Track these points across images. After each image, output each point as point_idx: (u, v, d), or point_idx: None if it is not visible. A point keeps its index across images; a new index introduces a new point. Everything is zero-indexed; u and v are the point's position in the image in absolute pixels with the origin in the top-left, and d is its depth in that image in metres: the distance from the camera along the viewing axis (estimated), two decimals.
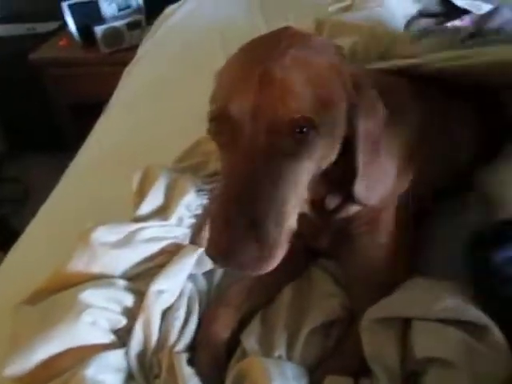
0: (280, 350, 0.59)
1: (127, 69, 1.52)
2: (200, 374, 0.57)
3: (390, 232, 0.63)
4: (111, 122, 1.26)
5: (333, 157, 0.54)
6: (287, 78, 0.47)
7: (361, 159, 0.54)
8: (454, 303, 0.55)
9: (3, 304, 0.72)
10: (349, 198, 0.59)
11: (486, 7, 1.12)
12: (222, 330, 0.62)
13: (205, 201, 0.77)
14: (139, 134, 1.14)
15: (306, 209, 0.62)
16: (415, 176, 0.64)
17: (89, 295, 0.60)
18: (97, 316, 0.59)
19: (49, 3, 2.18)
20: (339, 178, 0.57)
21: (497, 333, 0.52)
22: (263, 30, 0.57)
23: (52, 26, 2.20)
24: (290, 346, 0.60)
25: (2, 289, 0.78)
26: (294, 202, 0.50)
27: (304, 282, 0.71)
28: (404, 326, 0.58)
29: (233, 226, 0.44)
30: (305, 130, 0.47)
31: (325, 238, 0.68)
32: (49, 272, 0.68)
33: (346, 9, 1.35)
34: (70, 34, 2.03)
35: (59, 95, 2.08)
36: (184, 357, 0.58)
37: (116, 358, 0.58)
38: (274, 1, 1.61)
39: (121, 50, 1.93)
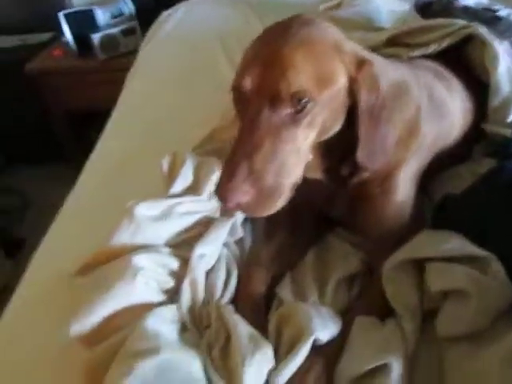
0: (313, 297, 0.67)
1: (130, 73, 1.59)
2: None
3: (402, 190, 0.72)
4: (122, 123, 1.32)
5: (337, 126, 0.64)
6: (289, 56, 0.57)
7: (362, 129, 0.63)
8: (459, 242, 0.64)
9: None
10: (358, 165, 0.68)
11: None
12: (259, 284, 0.70)
13: None
14: (150, 134, 1.21)
15: (320, 176, 0.71)
16: (420, 141, 0.73)
17: (140, 260, 0.67)
18: (148, 277, 0.67)
19: (40, 14, 2.25)
20: (348, 147, 0.66)
21: (496, 265, 0.61)
22: (260, 31, 0.66)
23: (43, 37, 2.25)
24: (320, 294, 0.68)
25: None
26: (295, 162, 0.60)
27: (323, 247, 0.80)
28: (419, 271, 0.67)
29: (235, 174, 0.55)
30: (303, 101, 0.57)
31: (341, 204, 0.77)
32: (82, 255, 0.75)
33: (336, 7, 1.45)
34: (63, 43, 2.09)
35: (57, 105, 2.12)
36: (231, 307, 0.65)
37: (170, 311, 0.65)
38: (266, 3, 1.71)
39: (116, 56, 1.99)
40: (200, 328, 0.65)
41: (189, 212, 0.77)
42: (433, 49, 0.90)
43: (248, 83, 0.58)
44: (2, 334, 0.75)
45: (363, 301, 0.69)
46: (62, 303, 0.73)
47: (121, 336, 0.62)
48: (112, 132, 1.30)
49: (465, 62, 0.93)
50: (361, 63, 0.61)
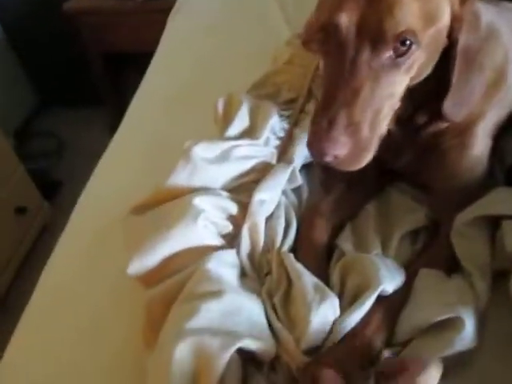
0: (376, 250, 0.65)
1: (172, 12, 1.52)
2: None
3: (479, 144, 0.67)
4: (165, 63, 1.28)
5: (429, 70, 0.58)
6: None
7: (456, 74, 0.57)
8: None
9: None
10: (435, 114, 0.62)
11: None
12: (321, 233, 0.68)
13: (286, 125, 0.81)
14: (196, 74, 1.16)
15: (391, 125, 0.66)
16: (505, 91, 0.67)
17: (201, 202, 0.65)
18: (207, 220, 0.65)
19: None
20: (427, 94, 0.61)
21: None
22: None
23: None
24: (384, 248, 0.65)
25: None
26: (387, 111, 0.55)
27: (384, 200, 0.76)
28: (493, 229, 0.63)
29: (334, 124, 0.51)
30: (408, 42, 0.51)
31: (407, 156, 0.72)
32: (130, 197, 0.73)
33: None
34: None
35: (94, 46, 2.07)
36: (292, 255, 0.63)
37: (230, 256, 0.63)
38: None
39: None
40: (260, 274, 0.64)
41: (246, 156, 0.74)
42: None
43: (345, 21, 0.51)
44: (50, 277, 0.76)
45: (427, 254, 0.65)
46: (110, 247, 0.73)
47: (181, 276, 0.61)
48: (155, 72, 1.26)
49: None
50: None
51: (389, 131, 0.66)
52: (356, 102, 0.51)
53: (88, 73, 2.21)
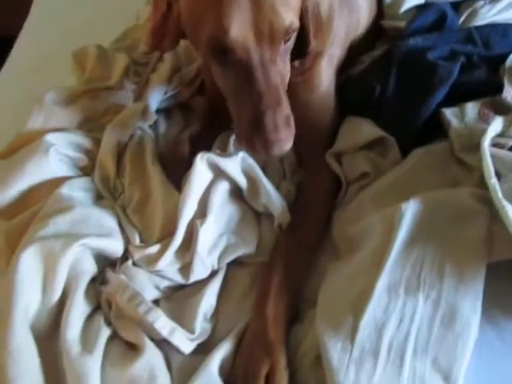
0: None
1: None
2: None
3: (324, 79, 0.75)
4: (36, 31, 1.27)
5: None
6: None
7: (311, 29, 0.63)
8: (367, 129, 0.71)
9: None
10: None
11: None
12: (183, 152, 0.76)
13: (140, 69, 0.87)
14: (66, 40, 1.18)
15: None
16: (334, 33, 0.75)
17: (53, 137, 0.70)
18: (61, 154, 0.70)
19: None
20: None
21: (395, 147, 0.70)
22: None
23: None
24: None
25: None
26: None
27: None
28: None
29: (278, 127, 0.56)
30: (292, 32, 0.57)
31: None
32: None
33: None
34: None
35: None
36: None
37: (83, 182, 0.69)
38: None
39: None
40: (115, 195, 0.70)
41: (99, 98, 0.79)
42: None
43: (240, 34, 0.53)
44: None
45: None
46: None
47: (38, 206, 0.66)
48: (26, 40, 1.25)
49: None
50: None
51: None
52: (281, 97, 0.57)
53: None
